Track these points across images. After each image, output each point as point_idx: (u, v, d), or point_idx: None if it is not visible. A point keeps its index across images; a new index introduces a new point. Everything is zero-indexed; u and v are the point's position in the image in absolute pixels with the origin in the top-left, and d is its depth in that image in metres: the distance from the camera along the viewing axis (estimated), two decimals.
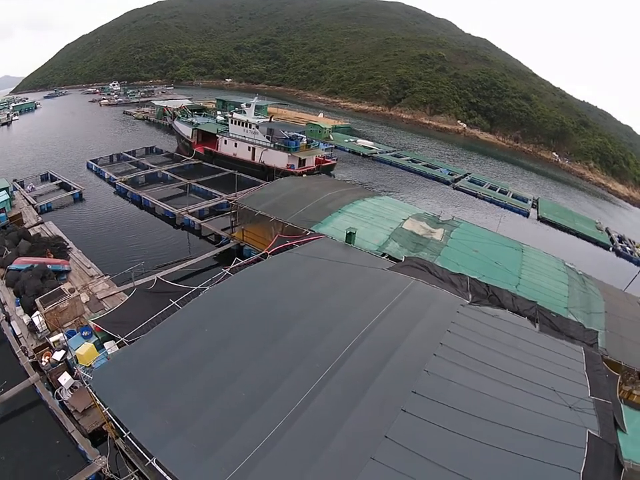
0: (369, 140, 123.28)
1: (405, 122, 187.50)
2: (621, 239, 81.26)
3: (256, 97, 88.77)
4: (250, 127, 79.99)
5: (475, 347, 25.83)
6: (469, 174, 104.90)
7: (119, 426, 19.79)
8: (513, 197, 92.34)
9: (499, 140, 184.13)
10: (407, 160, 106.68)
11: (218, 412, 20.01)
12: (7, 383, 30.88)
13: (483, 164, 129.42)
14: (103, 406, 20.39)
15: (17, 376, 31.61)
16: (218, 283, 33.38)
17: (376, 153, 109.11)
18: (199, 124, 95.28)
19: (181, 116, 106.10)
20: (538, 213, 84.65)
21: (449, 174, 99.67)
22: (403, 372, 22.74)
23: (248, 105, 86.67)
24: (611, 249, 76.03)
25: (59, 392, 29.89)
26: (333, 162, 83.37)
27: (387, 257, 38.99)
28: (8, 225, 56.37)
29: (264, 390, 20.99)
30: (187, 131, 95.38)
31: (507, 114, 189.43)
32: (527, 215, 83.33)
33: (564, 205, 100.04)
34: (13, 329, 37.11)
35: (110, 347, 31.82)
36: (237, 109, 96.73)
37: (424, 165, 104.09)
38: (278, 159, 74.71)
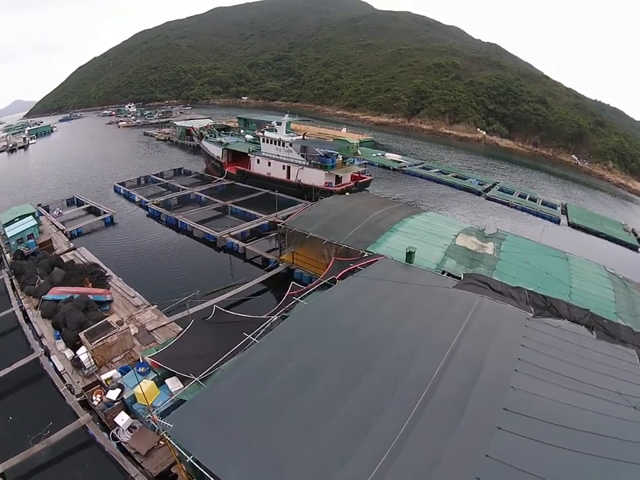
0: (395, 153, 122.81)
1: (425, 132, 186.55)
2: None
3: (287, 115, 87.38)
4: (283, 145, 79.08)
5: (546, 358, 25.93)
6: (498, 183, 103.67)
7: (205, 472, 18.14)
8: (542, 203, 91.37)
9: (518, 146, 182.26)
10: (436, 172, 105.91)
11: (317, 451, 18.93)
12: (52, 424, 29.47)
13: (508, 171, 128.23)
14: (185, 455, 18.94)
15: (64, 416, 30.19)
16: (289, 311, 31.96)
17: (405, 166, 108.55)
18: (228, 143, 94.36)
19: (208, 136, 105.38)
20: (568, 219, 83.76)
21: (478, 184, 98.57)
22: (491, 390, 22.69)
23: (279, 123, 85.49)
24: (639, 249, 75.28)
25: (115, 433, 28.32)
26: (369, 178, 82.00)
27: (446, 275, 38.18)
28: (37, 251, 55.39)
29: (363, 423, 20.16)
30: (216, 151, 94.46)
31: (525, 119, 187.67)
32: (558, 221, 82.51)
33: (590, 209, 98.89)
34: (54, 364, 35.33)
35: (173, 385, 30.18)
36: (267, 127, 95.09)
37: (453, 176, 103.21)
38: (315, 177, 73.69)
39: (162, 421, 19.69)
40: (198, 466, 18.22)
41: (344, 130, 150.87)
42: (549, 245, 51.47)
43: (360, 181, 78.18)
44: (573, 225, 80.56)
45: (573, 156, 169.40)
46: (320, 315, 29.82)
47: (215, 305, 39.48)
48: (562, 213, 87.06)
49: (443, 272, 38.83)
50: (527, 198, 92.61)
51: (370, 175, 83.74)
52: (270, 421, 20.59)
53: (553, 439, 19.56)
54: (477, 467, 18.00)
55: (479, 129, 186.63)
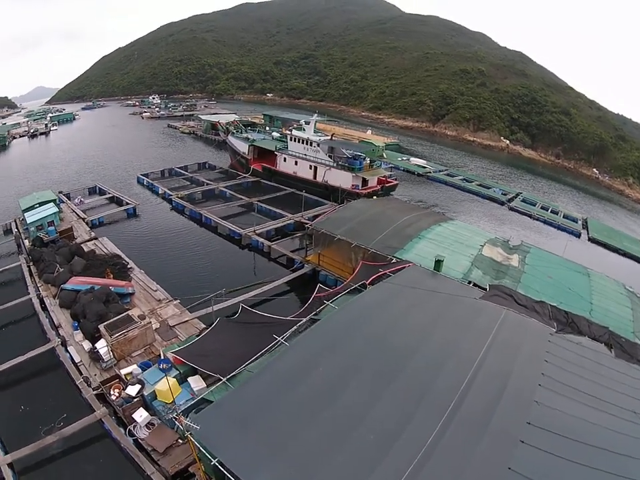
0: (420, 158, 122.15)
1: (449, 138, 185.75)
2: None
3: (315, 115, 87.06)
4: (311, 145, 78.80)
5: (568, 375, 25.90)
6: (521, 193, 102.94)
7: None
8: (563, 217, 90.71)
9: (540, 156, 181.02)
10: (461, 179, 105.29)
11: (347, 458, 18.76)
12: (66, 416, 29.30)
13: (531, 182, 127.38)
14: (210, 457, 18.45)
15: (78, 408, 29.83)
16: (319, 314, 31.68)
17: (430, 172, 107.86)
18: (254, 140, 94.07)
19: (235, 131, 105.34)
20: (588, 233, 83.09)
21: (502, 194, 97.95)
22: (516, 404, 22.61)
23: (307, 123, 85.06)
24: None
25: (132, 429, 27.91)
26: (395, 182, 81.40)
27: (472, 285, 38.10)
28: (57, 239, 54.90)
29: (391, 432, 20.10)
30: (242, 147, 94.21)
31: (548, 129, 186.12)
32: (578, 235, 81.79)
33: (609, 224, 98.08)
34: (70, 355, 34.92)
35: (195, 383, 29.81)
36: (295, 125, 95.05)
37: (477, 185, 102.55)
38: (342, 179, 73.27)
39: (189, 422, 19.49)
40: (223, 469, 17.97)
41: (369, 132, 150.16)
42: (570, 258, 51.30)
43: (386, 185, 77.67)
44: (592, 240, 79.74)
45: (594, 169, 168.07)
46: (351, 321, 29.69)
47: (242, 304, 39.03)
48: (582, 227, 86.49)
49: (469, 282, 38.76)
50: (549, 210, 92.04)
51: (396, 179, 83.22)
52: (300, 426, 20.44)
53: (573, 455, 19.64)
54: (499, 479, 18.26)
55: (502, 138, 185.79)
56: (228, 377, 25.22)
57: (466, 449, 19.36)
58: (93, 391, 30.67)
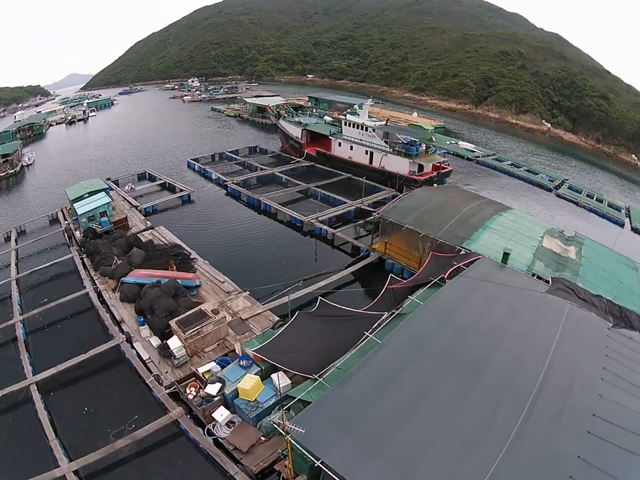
0: (467, 142, 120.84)
1: (492, 121, 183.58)
2: None
3: (369, 100, 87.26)
4: (366, 130, 78.74)
5: (624, 369, 27.05)
6: (567, 180, 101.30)
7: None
8: (608, 205, 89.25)
9: (581, 141, 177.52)
10: (509, 164, 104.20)
11: (440, 453, 20.07)
12: (137, 417, 28.88)
13: (576, 168, 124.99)
14: (313, 459, 19.09)
15: (150, 409, 29.81)
16: (401, 308, 32.49)
17: (479, 157, 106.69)
18: (307, 124, 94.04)
19: (286, 115, 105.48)
20: (631, 223, 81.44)
21: (549, 180, 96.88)
22: (583, 396, 24.05)
23: (360, 107, 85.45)
24: None
25: (211, 428, 27.52)
26: (450, 168, 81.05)
27: (535, 277, 38.80)
28: (112, 230, 54.14)
29: (479, 426, 21.48)
30: (295, 131, 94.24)
31: (588, 114, 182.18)
32: (622, 225, 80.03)
33: None
34: (137, 352, 34.50)
35: (279, 380, 28.51)
36: (349, 110, 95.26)
37: (525, 170, 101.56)
38: (399, 165, 73.23)
39: (295, 427, 19.99)
40: (327, 470, 18.68)
41: (415, 114, 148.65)
42: (615, 249, 51.38)
43: (441, 171, 77.48)
44: (635, 230, 78.24)
45: (633, 156, 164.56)
46: (436, 316, 30.63)
47: (320, 297, 38.50)
48: (625, 216, 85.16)
49: (533, 274, 39.42)
50: (594, 198, 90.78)
51: (448, 165, 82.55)
52: (396, 424, 21.28)
53: (636, 448, 20.78)
54: (570, 466, 19.59)
55: (544, 121, 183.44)
56: (323, 376, 26.15)
57: (543, 439, 20.83)
58: (166, 389, 30.31)
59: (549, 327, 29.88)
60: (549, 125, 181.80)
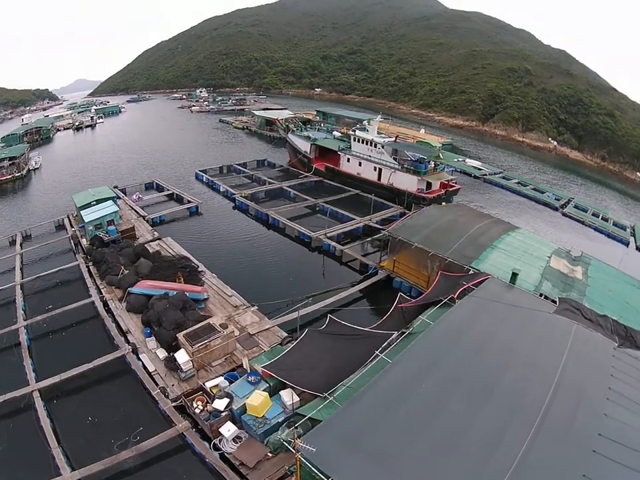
0: (474, 159, 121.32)
1: (499, 138, 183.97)
2: None
3: (379, 116, 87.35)
4: (375, 146, 78.81)
5: (632, 390, 27.18)
6: (573, 199, 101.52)
7: None
8: (613, 224, 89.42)
9: (587, 159, 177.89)
10: (516, 183, 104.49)
11: (449, 472, 20.11)
12: (142, 429, 28.77)
13: (582, 187, 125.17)
14: (324, 477, 18.88)
15: (155, 421, 29.70)
16: (411, 327, 32.78)
17: (486, 174, 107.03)
18: (316, 139, 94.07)
19: (295, 129, 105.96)
20: (636, 242, 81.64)
21: (555, 199, 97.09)
22: (589, 416, 24.24)
23: (369, 122, 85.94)
24: None
25: (217, 443, 27.36)
26: (458, 187, 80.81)
27: (543, 297, 38.89)
28: (119, 239, 53.94)
29: (488, 446, 21.51)
30: (304, 145, 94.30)
31: (594, 131, 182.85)
32: (627, 244, 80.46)
33: None
34: (143, 364, 34.41)
35: (288, 397, 28.72)
36: (358, 126, 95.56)
37: (532, 189, 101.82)
38: (408, 182, 73.32)
39: (305, 446, 19.70)
40: None
41: (422, 131, 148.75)
42: (621, 269, 51.41)
43: (450, 189, 77.40)
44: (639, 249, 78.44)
45: (638, 173, 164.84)
46: (447, 336, 30.69)
47: (329, 315, 38.36)
48: (630, 235, 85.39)
49: (540, 294, 39.46)
50: (600, 217, 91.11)
51: (456, 183, 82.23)
52: (406, 444, 21.31)
53: None
54: None
55: (550, 139, 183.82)
56: (334, 394, 26.35)
57: (549, 459, 20.96)
58: (172, 402, 30.35)
59: (557, 347, 30.12)
60: (555, 143, 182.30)
